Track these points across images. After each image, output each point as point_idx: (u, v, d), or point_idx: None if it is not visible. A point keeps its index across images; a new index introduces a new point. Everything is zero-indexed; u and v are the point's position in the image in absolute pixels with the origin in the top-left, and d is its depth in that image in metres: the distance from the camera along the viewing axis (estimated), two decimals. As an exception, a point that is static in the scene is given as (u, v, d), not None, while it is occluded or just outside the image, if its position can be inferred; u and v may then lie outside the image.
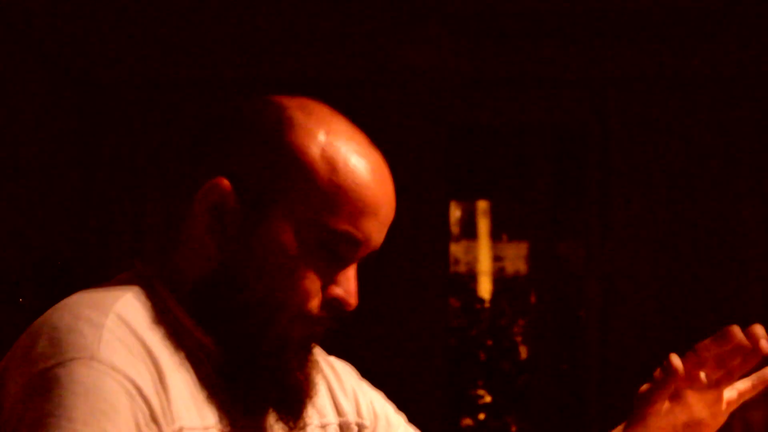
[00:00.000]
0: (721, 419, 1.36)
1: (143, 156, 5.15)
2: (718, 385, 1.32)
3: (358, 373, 1.42)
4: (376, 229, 1.23)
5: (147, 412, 1.12)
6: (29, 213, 4.59)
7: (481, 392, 7.05)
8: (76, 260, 4.95)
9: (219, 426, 1.19)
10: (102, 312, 1.15)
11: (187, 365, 1.19)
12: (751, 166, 5.02)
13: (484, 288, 8.06)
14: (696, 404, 1.34)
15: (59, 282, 4.65)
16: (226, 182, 1.20)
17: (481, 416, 6.98)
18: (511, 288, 7.91)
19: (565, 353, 5.56)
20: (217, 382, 1.21)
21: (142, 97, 5.18)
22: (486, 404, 7.01)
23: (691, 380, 1.31)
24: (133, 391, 1.11)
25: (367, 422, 1.37)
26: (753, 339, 1.28)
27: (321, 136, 1.21)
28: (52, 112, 4.88)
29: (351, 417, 1.36)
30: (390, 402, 1.44)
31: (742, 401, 1.37)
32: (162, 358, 1.15)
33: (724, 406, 1.35)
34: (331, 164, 1.20)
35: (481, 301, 7.51)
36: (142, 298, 1.21)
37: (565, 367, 5.65)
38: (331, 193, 1.19)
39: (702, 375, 1.31)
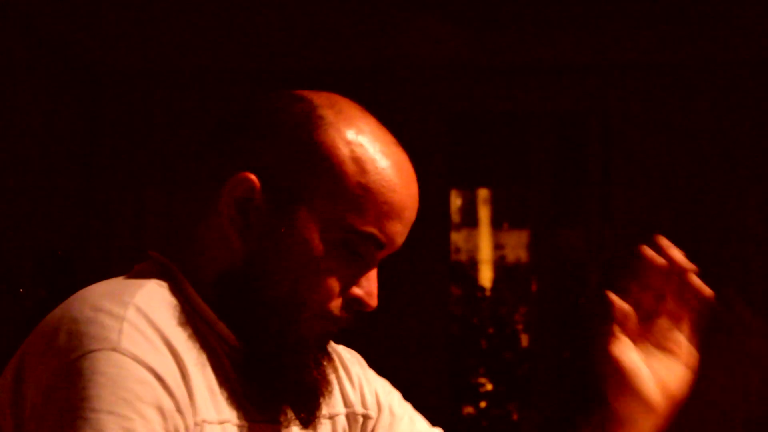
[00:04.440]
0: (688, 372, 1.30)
1: (144, 148, 5.15)
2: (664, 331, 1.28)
3: (363, 361, 1.42)
4: (400, 231, 1.25)
5: (171, 403, 1.11)
6: (29, 204, 4.59)
7: (482, 380, 7.06)
8: (77, 251, 4.95)
9: (235, 421, 1.19)
10: (121, 304, 1.14)
11: (206, 358, 1.18)
12: (752, 154, 5.02)
13: (485, 276, 8.07)
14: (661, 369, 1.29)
15: (59, 273, 4.65)
16: (253, 177, 1.20)
17: (483, 404, 6.99)
18: (512, 276, 7.92)
19: (566, 341, 5.56)
20: (234, 377, 1.21)
21: (144, 89, 5.18)
22: (487, 392, 7.02)
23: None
24: (156, 382, 1.10)
25: (372, 413, 1.37)
26: (663, 253, 1.25)
27: (350, 136, 1.21)
28: (53, 104, 4.87)
29: (357, 408, 1.36)
30: (396, 390, 1.43)
31: (694, 338, 1.29)
32: (183, 351, 1.15)
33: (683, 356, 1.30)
34: (360, 165, 1.20)
35: (482, 289, 7.52)
36: (162, 289, 1.20)
37: (566, 355, 5.65)
38: (358, 195, 1.20)
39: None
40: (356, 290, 1.23)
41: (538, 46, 4.83)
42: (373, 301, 1.24)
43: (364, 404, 1.37)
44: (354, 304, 1.23)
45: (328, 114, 1.21)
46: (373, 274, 1.24)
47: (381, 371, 1.43)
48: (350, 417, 1.35)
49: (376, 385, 1.40)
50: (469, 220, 8.40)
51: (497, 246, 8.31)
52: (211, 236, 1.24)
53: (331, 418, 1.32)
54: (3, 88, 4.37)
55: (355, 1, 4.29)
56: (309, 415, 1.24)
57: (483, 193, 8.39)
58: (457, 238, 7.88)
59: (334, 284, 1.21)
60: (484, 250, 8.26)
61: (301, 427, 1.25)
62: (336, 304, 1.22)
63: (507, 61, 5.10)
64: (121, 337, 1.10)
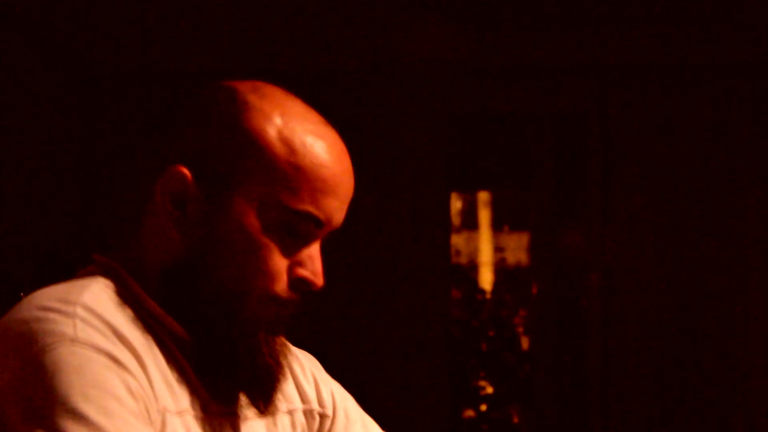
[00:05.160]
0: None
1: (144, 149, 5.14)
2: None
3: (319, 364, 1.42)
4: (337, 208, 1.24)
5: (138, 385, 1.12)
6: (29, 206, 4.58)
7: (482, 383, 7.06)
8: (76, 253, 4.94)
9: (193, 412, 1.20)
10: (69, 303, 1.15)
11: (159, 353, 1.19)
12: (752, 155, 5.01)
13: (486, 279, 8.07)
14: None
15: (59, 275, 4.63)
16: (185, 170, 1.21)
17: (483, 407, 6.99)
18: (513, 278, 7.91)
19: (566, 344, 5.55)
20: (188, 369, 1.21)
21: (144, 89, 5.17)
22: (488, 395, 7.02)
23: None
24: (120, 369, 1.11)
25: (328, 412, 1.37)
26: None
27: (277, 119, 1.22)
28: (53, 104, 4.87)
29: (314, 405, 1.36)
30: (349, 395, 1.43)
31: None
32: (136, 345, 1.16)
33: None
34: (289, 145, 1.21)
35: (483, 291, 7.52)
36: (108, 289, 1.21)
37: (566, 358, 5.64)
38: (290, 174, 1.20)
39: None
40: (301, 271, 1.23)
41: (538, 46, 4.83)
42: (319, 280, 1.24)
43: (320, 403, 1.37)
44: (301, 285, 1.23)
45: (252, 99, 1.23)
46: (315, 253, 1.24)
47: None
48: (307, 414, 1.35)
49: (331, 386, 1.40)
50: (470, 222, 8.41)
51: (497, 248, 8.31)
52: (151, 233, 1.25)
53: (290, 413, 1.33)
54: (3, 88, 4.36)
55: (356, 2, 4.29)
56: (266, 400, 1.24)
57: (483, 196, 8.40)
58: (457, 240, 7.88)
59: (277, 267, 1.21)
60: (485, 252, 8.27)
61: (260, 416, 1.26)
62: (281, 287, 1.22)
63: (507, 62, 5.09)
64: (76, 330, 1.11)
